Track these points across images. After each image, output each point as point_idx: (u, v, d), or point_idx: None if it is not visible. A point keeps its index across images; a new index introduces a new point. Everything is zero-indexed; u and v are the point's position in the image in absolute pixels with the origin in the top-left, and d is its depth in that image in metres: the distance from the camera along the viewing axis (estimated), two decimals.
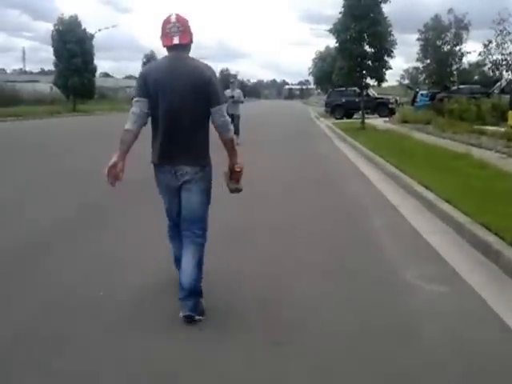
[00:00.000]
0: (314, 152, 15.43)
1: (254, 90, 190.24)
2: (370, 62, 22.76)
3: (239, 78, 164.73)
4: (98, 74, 49.14)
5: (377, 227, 6.56)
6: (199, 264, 3.95)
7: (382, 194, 8.65)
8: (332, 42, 28.58)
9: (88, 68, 42.51)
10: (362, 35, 22.24)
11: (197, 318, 3.81)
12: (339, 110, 35.77)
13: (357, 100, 30.37)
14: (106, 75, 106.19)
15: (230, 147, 3.96)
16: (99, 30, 62.27)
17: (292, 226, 6.61)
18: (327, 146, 17.31)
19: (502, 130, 17.18)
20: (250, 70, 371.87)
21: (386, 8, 22.32)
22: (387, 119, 30.56)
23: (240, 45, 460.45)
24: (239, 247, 5.63)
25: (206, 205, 4.03)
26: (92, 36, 43.99)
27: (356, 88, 27.17)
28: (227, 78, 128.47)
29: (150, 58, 56.86)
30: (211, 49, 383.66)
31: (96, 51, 43.88)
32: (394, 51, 22.61)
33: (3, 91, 40.91)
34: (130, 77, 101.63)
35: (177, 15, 3.78)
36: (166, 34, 3.76)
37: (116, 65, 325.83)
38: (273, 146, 17.12)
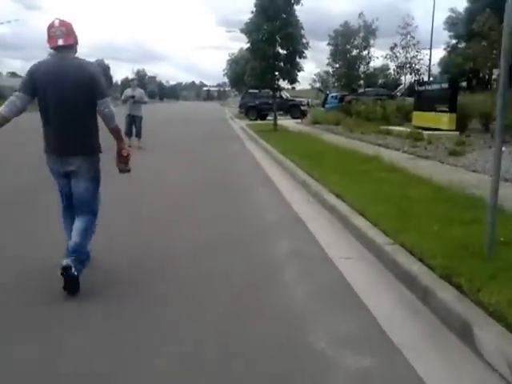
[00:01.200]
0: (223, 155, 14.00)
1: (172, 92, 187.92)
2: (282, 64, 21.53)
3: (158, 79, 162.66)
4: (5, 73, 45.86)
5: (279, 255, 5.03)
6: (85, 231, 4.15)
7: (291, 207, 7.23)
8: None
9: None
10: (274, 36, 21.04)
11: (73, 271, 3.84)
12: (253, 111, 34.61)
13: (270, 102, 29.46)
14: (14, 74, 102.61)
15: (116, 135, 4.28)
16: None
17: (175, 259, 5.16)
18: (238, 149, 15.94)
19: (407, 130, 16.52)
20: (169, 72, 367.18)
21: (297, 11, 21.31)
22: (299, 121, 29.82)
23: (160, 47, 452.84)
24: None
25: (94, 190, 4.26)
26: None
27: (269, 90, 26.17)
28: (143, 79, 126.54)
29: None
30: (130, 50, 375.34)
31: (4, 50, 40.73)
32: (307, 55, 21.66)
33: None
34: (14, 73, 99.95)
35: (60, 20, 3.99)
36: (51, 37, 3.95)
37: (26, 64, 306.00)
38: (181, 149, 15.62)
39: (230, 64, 48.64)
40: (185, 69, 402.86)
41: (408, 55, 32.31)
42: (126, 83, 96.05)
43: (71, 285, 3.88)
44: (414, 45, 32.45)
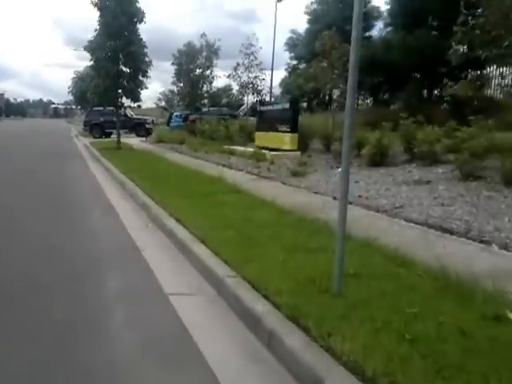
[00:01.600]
0: (62, 175, 12.63)
1: (19, 109, 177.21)
2: (125, 82, 20.44)
3: (5, 96, 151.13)
4: None
5: (106, 294, 4.20)
6: None
7: (127, 233, 6.38)
8: None
9: None
10: (117, 54, 19.94)
11: None
12: (97, 128, 32.76)
13: (115, 119, 28.16)
14: None
15: None
16: None
17: None
18: (79, 168, 14.58)
19: (250, 149, 16.31)
20: (17, 89, 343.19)
21: (142, 31, 20.50)
22: (144, 139, 28.74)
23: (8, 64, 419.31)
24: None
25: None
26: None
27: (113, 108, 24.92)
28: None
29: None
30: None
31: None
32: (151, 75, 20.86)
33: None
34: None
35: None
36: None
37: None
38: (17, 168, 13.98)
39: (75, 82, 46.02)
40: (33, 86, 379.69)
41: (251, 75, 32.67)
42: None
43: None
44: (257, 65, 32.90)
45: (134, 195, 8.95)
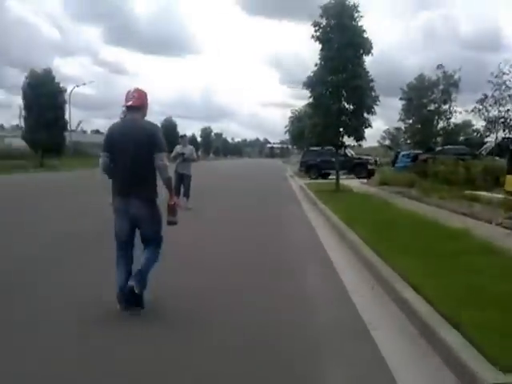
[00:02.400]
0: (275, 220, 12.45)
1: (236, 148, 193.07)
2: (347, 119, 19.94)
3: (223, 136, 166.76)
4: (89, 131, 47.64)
5: None
6: (152, 259, 5.15)
7: (349, 299, 5.50)
8: None
9: (59, 123, 40.24)
10: (339, 90, 19.66)
11: (136, 290, 4.84)
12: (314, 169, 33.15)
13: (333, 160, 28.08)
14: (97, 132, 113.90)
15: (167, 185, 5.15)
16: (77, 86, 61.28)
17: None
18: (292, 211, 14.37)
19: (499, 196, 14.25)
20: (234, 129, 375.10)
21: (366, 63, 20.00)
22: (365, 181, 28.03)
23: (226, 105, 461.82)
24: None
25: (157, 227, 5.17)
26: (64, 90, 42.07)
27: (332, 147, 24.87)
28: (209, 137, 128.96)
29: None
30: (199, 108, 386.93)
31: (91, 109, 42.83)
32: (376, 111, 20.04)
33: None
34: (97, 131, 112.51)
35: (136, 88, 5.25)
36: (125, 99, 5.14)
37: (108, 122, 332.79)
38: (231, 210, 14.31)
39: (292, 121, 47.68)
40: (249, 125, 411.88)
41: (502, 109, 29.68)
42: (193, 140, 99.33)
43: (136, 302, 4.94)
44: (510, 96, 29.76)
45: (355, 248, 8.11)
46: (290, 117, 47.78)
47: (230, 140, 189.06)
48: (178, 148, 14.30)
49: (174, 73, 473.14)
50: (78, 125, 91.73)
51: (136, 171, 4.93)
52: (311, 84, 20.21)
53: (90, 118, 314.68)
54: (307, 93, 20.43)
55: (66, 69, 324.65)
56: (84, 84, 62.13)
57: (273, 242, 9.30)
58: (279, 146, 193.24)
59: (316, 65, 20.24)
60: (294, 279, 6.45)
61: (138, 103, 5.13)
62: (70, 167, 41.00)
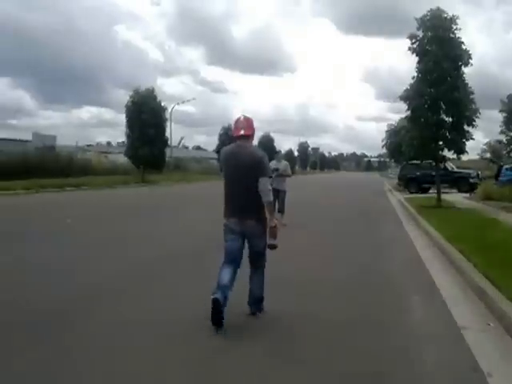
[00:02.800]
0: (374, 237, 12.17)
1: (333, 162, 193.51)
2: (447, 132, 19.32)
3: (320, 150, 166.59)
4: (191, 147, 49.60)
5: None
6: (262, 283, 5.68)
7: (461, 337, 5.04)
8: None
9: (160, 139, 41.68)
10: (438, 102, 19.12)
11: (258, 314, 5.61)
12: (413, 184, 32.12)
13: (433, 174, 27.10)
14: (199, 148, 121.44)
15: (268, 208, 5.42)
16: (178, 104, 63.51)
17: None
18: (391, 228, 13.97)
19: None
20: (331, 143, 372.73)
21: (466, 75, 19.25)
22: (468, 195, 26.80)
23: (322, 120, 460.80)
24: None
25: (264, 245, 5.52)
26: (165, 108, 43.55)
27: (432, 161, 24.02)
28: (306, 151, 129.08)
29: (226, 130, 60.57)
30: (295, 123, 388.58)
31: (193, 126, 44.35)
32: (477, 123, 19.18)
33: (71, 161, 40.49)
34: (198, 148, 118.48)
35: (244, 116, 5.62)
36: (236, 128, 5.58)
37: (208, 139, 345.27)
38: (327, 227, 14.12)
39: (389, 134, 46.59)
40: (346, 140, 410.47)
41: None
42: (290, 155, 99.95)
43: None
44: None
45: (463, 273, 7.63)
46: (387, 130, 46.72)
47: (326, 154, 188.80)
48: (273, 163, 14.28)
49: (271, 90, 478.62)
50: (180, 141, 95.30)
51: (247, 194, 5.32)
52: (408, 97, 19.79)
53: (191, 134, 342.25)
54: (404, 106, 20.05)
55: (169, 88, 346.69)
56: (184, 102, 64.60)
57: (367, 263, 9.05)
58: (377, 159, 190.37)
59: (413, 77, 19.88)
60: (395, 313, 6.11)
61: (249, 132, 5.53)
62: (169, 181, 42.70)
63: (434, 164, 21.66)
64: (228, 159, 5.51)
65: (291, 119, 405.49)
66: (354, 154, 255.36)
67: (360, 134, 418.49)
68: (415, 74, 19.74)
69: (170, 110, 49.43)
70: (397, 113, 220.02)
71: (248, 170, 5.29)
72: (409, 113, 19.97)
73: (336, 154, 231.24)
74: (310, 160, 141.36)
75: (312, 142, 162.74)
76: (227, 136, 57.42)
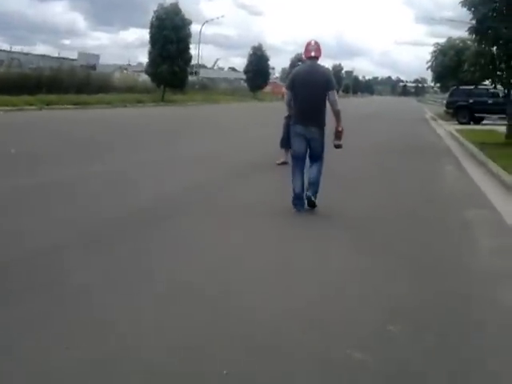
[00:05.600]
0: (427, 190, 8.25)
1: (367, 86, 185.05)
2: None
3: (354, 74, 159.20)
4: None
5: None
6: (319, 172, 6.42)
7: None
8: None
9: (182, 56, 37.37)
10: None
11: (313, 198, 6.31)
12: (464, 112, 26.38)
13: (490, 101, 22.47)
14: (234, 69, 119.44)
15: (336, 116, 6.44)
16: (206, 22, 58.93)
17: None
18: (451, 176, 9.99)
19: None
20: (365, 67, 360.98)
21: None
22: None
23: (358, 43, 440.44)
24: None
25: (323, 148, 6.44)
26: (189, 23, 38.96)
27: (488, 86, 19.53)
28: (339, 74, 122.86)
29: (256, 50, 56.93)
30: (331, 46, 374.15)
31: (230, 48, 40.47)
32: None
33: (88, 77, 36.86)
34: (233, 69, 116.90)
35: (314, 41, 6.49)
36: (307, 50, 6.45)
37: (243, 60, 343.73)
38: (360, 171, 10.05)
39: (435, 56, 40.79)
40: (382, 64, 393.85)
41: None
42: None
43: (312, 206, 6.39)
44: None
45: None
46: (433, 51, 40.82)
47: (360, 78, 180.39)
48: None
49: (306, 13, 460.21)
50: (215, 62, 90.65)
51: (314, 105, 6.30)
52: (473, 3, 14.99)
53: (228, 56, 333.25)
54: (442, 33, 15.51)
55: (208, 12, 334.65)
56: (213, 20, 59.63)
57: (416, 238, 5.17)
58: (413, 84, 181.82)
59: None
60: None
61: (318, 54, 6.47)
62: (194, 101, 39.01)
63: (491, 90, 17.15)
64: (302, 77, 6.40)
65: (326, 42, 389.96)
66: (389, 78, 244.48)
67: (396, 59, 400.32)
68: None
69: (199, 29, 44.74)
70: (435, 37, 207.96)
71: (320, 86, 6.27)
72: (474, 22, 15.25)
73: (370, 77, 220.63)
74: (343, 83, 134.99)
75: (346, 66, 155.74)
76: (256, 56, 54.88)
